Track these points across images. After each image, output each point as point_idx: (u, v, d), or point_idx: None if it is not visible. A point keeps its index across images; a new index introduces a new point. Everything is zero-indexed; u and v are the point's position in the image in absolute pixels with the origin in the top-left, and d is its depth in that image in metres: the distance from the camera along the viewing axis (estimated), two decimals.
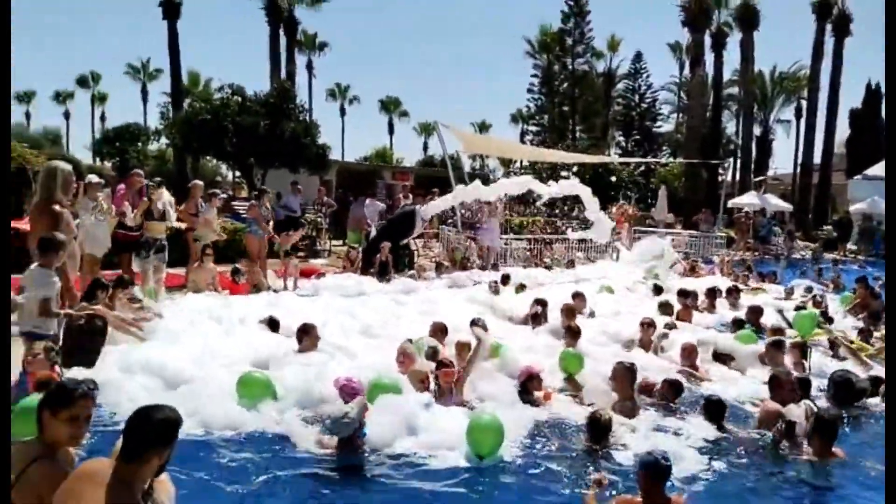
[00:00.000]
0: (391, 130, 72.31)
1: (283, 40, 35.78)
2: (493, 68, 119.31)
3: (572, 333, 7.59)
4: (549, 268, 15.35)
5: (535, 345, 7.74)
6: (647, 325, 8.31)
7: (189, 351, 6.40)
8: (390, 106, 71.23)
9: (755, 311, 9.85)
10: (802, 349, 7.73)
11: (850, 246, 28.08)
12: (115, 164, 37.72)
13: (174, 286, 10.33)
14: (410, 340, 6.86)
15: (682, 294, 10.76)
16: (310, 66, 56.68)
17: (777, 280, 15.21)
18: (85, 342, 5.68)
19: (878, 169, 32.44)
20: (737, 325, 9.22)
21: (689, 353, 7.48)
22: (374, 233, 14.75)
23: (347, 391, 5.13)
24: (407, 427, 5.01)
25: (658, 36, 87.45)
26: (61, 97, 71.38)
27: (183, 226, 11.06)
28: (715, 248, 21.70)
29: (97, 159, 49.11)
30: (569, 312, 8.72)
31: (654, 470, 3.88)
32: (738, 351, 7.98)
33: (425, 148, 71.02)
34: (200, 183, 11.58)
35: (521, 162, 37.25)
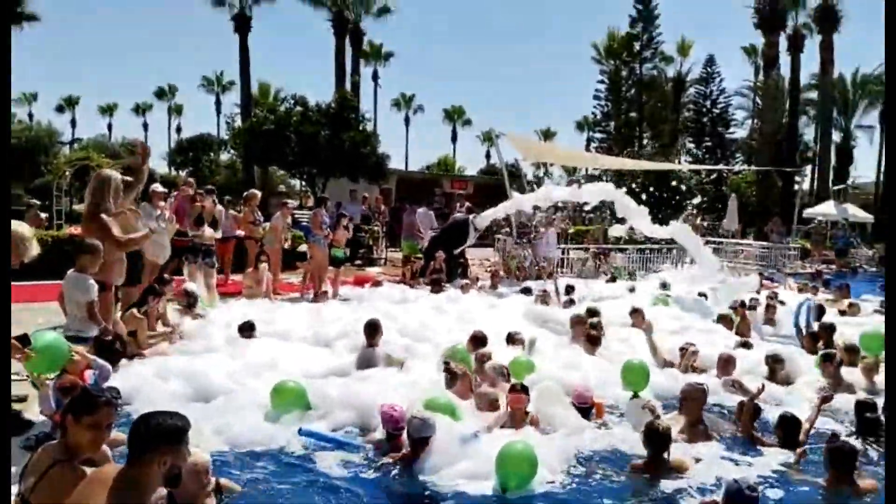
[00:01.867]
0: (454, 139, 72.84)
1: (348, 51, 36.58)
2: (558, 75, 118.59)
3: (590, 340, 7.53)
4: (613, 279, 14.88)
5: (580, 360, 7.42)
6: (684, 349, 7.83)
7: (224, 360, 6.49)
8: (454, 115, 71.60)
9: (827, 329, 9.27)
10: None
11: None
12: (188, 173, 39.31)
13: (231, 293, 10.59)
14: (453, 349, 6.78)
15: (742, 306, 10.37)
16: (375, 77, 57.70)
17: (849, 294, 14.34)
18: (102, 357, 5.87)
19: None
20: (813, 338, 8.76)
21: (725, 364, 7.13)
22: (426, 241, 14.76)
23: (386, 419, 4.94)
24: (457, 453, 4.70)
25: (732, 39, 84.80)
26: (140, 109, 75.25)
27: (240, 233, 11.43)
28: (787, 260, 20.68)
29: (172, 168, 51.64)
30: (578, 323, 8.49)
31: (738, 500, 3.68)
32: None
33: (488, 156, 70.99)
34: (257, 192, 11.90)
35: (587, 170, 36.61)
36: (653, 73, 43.84)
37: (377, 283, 12.43)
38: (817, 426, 5.69)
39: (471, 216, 14.80)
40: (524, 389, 5.48)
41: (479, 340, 7.30)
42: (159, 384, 5.73)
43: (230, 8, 33.37)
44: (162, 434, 2.79)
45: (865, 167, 55.74)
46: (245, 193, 11.98)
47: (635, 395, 6.25)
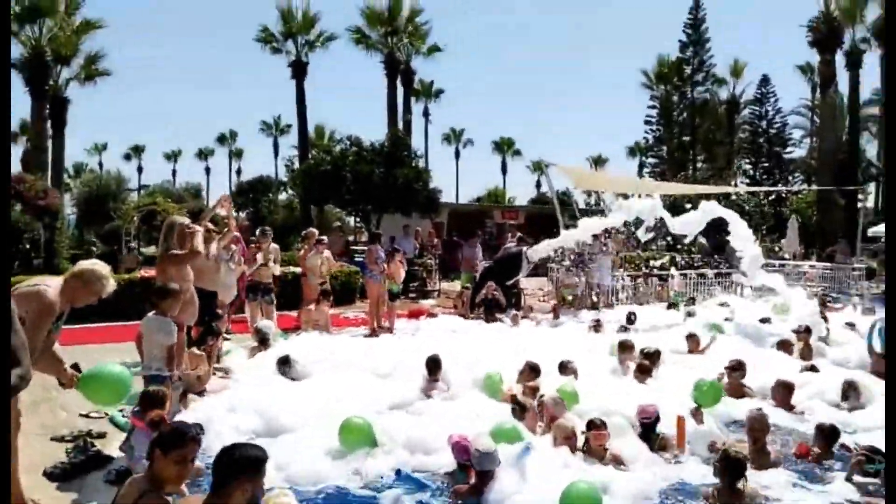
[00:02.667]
0: (504, 170, 73.21)
1: (400, 91, 37.54)
2: (607, 102, 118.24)
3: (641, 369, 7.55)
4: (674, 305, 14.62)
5: (628, 388, 7.37)
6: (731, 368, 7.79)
7: (290, 394, 6.77)
8: (503, 146, 72.16)
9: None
10: None
11: None
12: (248, 214, 40.78)
13: (289, 327, 11.01)
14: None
15: (806, 331, 10.11)
16: (426, 113, 58.92)
17: None
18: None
19: None
20: None
21: (784, 390, 7.08)
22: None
23: (459, 450, 4.90)
24: (525, 486, 4.61)
25: (786, 58, 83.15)
26: (203, 154, 78.74)
27: (296, 270, 11.96)
28: (853, 281, 19.95)
29: (234, 210, 53.22)
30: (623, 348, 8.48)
31: None
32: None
33: (538, 185, 71.01)
34: (315, 231, 12.41)
35: (639, 195, 36.26)
36: (705, 97, 43.41)
37: (432, 315, 12.69)
38: None
39: (524, 248, 14.97)
40: (604, 425, 5.43)
41: (533, 371, 7.41)
42: (229, 418, 5.97)
43: (287, 55, 34.85)
44: (244, 464, 3.04)
45: None
46: (304, 232, 12.53)
47: (698, 409, 6.22)
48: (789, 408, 7.04)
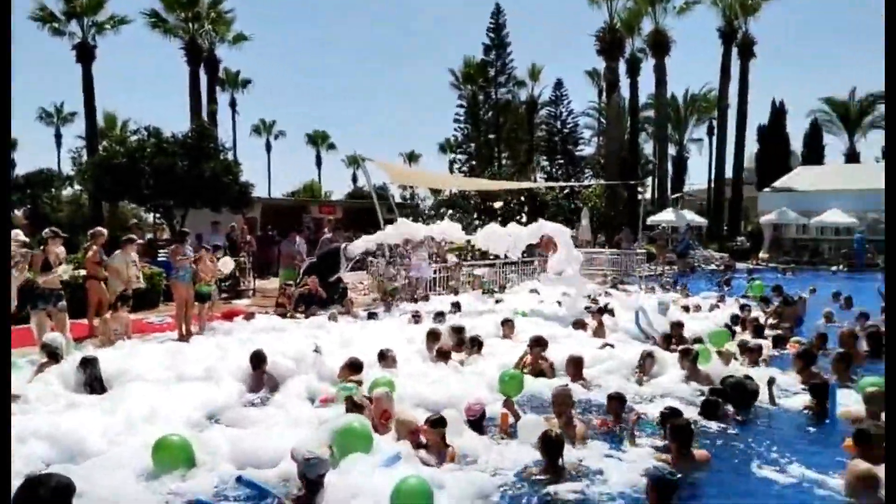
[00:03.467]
0: (319, 164, 72.01)
1: (203, 79, 35.39)
2: (420, 99, 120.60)
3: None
4: (489, 293, 15.56)
5: (440, 375, 7.69)
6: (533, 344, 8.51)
7: (94, 414, 6.08)
8: (317, 139, 70.88)
9: (677, 326, 10.25)
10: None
11: (762, 255, 29.57)
12: (26, 212, 35.90)
13: (79, 338, 9.88)
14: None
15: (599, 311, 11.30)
16: (233, 104, 56.14)
17: (688, 292, 15.95)
18: None
19: (786, 181, 34.58)
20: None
21: (574, 364, 7.85)
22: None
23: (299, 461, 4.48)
24: (356, 491, 4.46)
25: (576, 64, 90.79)
26: None
27: (80, 273, 10.82)
28: (636, 265, 22.47)
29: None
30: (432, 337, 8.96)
31: (662, 485, 4.12)
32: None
33: (354, 179, 70.97)
34: (103, 230, 11.23)
35: (452, 190, 37.78)
36: (507, 97, 46.19)
37: (250, 316, 12.07)
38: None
39: (343, 245, 14.91)
40: (442, 423, 5.42)
41: (352, 367, 7.36)
42: (17, 450, 4.99)
43: (71, 37, 31.19)
44: (59, 494, 2.69)
45: (697, 176, 62.05)
46: (91, 231, 11.24)
47: (508, 399, 6.53)
48: (582, 380, 7.76)
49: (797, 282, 19.19)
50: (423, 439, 5.46)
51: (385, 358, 7.74)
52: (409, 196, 50.96)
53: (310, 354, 8.09)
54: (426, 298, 14.94)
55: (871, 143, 52.42)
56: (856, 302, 13.96)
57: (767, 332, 10.84)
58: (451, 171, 49.68)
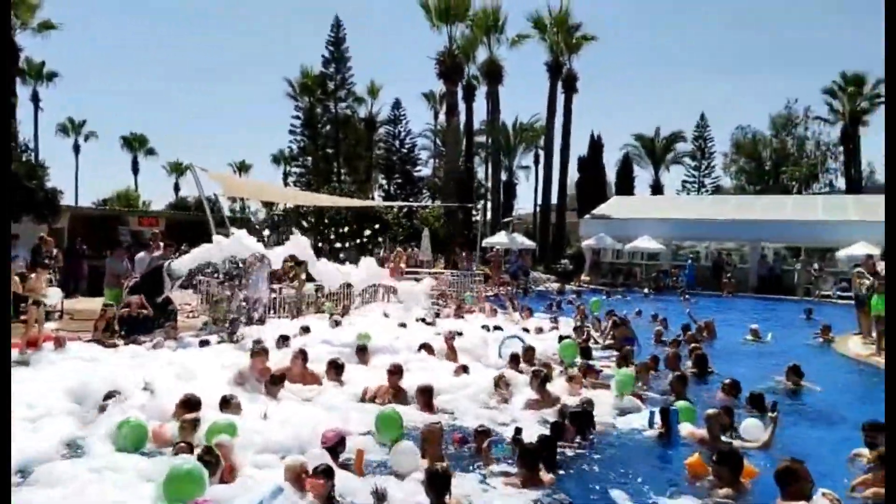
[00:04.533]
0: (136, 170, 66.08)
1: None
2: (250, 107, 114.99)
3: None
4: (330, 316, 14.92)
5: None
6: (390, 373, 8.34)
7: None
8: (134, 143, 64.94)
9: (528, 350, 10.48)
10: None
11: (584, 277, 31.89)
12: None
13: None
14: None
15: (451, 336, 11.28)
16: (35, 98, 50.09)
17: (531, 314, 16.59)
18: None
19: (604, 208, 37.69)
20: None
21: (423, 395, 7.79)
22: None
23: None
24: None
25: (414, 85, 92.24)
26: None
27: None
28: (474, 285, 23.07)
29: None
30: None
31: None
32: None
33: (177, 189, 66.26)
34: None
35: (285, 204, 36.54)
36: (347, 112, 45.70)
37: (59, 342, 10.39)
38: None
39: (164, 263, 13.50)
40: (326, 472, 4.91)
41: (187, 405, 6.56)
42: None
43: None
44: None
45: (525, 201, 66.09)
46: None
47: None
48: (432, 410, 7.65)
49: (619, 303, 20.79)
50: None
51: (228, 405, 6.93)
52: (240, 209, 48.55)
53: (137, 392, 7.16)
54: (262, 322, 14.00)
55: (673, 176, 59.81)
56: (671, 324, 15.34)
57: (601, 353, 11.62)
58: (286, 183, 48.05)
